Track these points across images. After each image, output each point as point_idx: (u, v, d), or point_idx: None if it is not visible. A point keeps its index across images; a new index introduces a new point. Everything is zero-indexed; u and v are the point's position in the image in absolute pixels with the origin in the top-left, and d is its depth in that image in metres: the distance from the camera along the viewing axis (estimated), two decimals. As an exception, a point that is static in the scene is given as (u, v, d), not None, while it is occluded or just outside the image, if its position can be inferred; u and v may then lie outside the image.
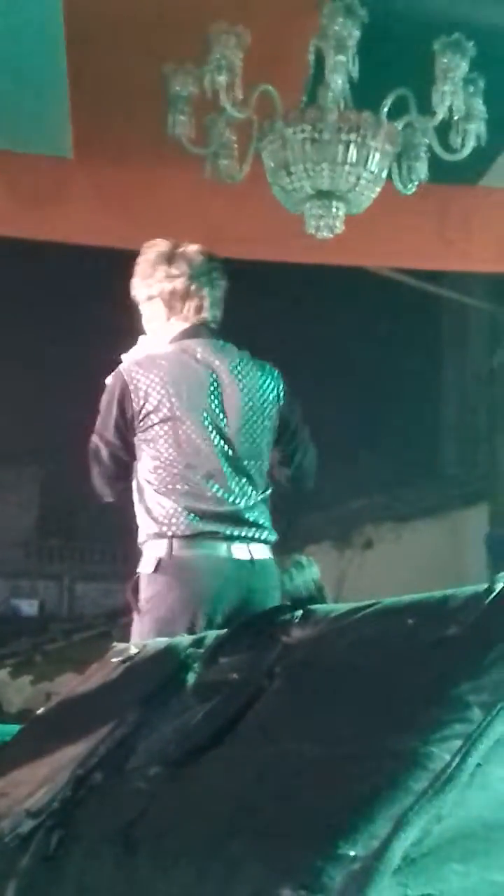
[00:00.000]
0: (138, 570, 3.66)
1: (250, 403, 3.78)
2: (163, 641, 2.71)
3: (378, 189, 5.01)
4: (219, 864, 1.58)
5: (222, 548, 3.64)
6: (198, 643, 2.46)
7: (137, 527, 3.72)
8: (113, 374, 3.77)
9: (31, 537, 18.43)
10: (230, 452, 3.71)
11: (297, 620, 2.17)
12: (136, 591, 3.63)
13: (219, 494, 3.67)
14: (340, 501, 11.26)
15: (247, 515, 3.72)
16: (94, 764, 2.18)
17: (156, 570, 3.60)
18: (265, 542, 3.77)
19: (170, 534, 3.60)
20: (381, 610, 1.98)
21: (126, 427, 3.69)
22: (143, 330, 3.97)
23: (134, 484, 3.74)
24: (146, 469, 3.67)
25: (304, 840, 1.50)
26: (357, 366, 9.07)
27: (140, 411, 3.66)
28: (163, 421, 3.65)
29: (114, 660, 2.76)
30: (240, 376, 3.81)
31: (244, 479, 3.73)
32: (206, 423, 3.69)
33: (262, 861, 1.52)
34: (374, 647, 1.89)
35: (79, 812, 2.06)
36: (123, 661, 2.70)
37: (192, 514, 3.62)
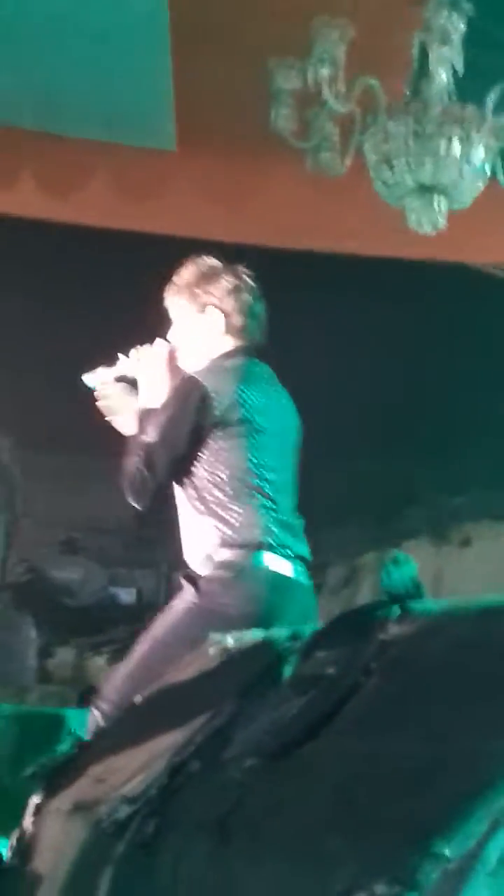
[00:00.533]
0: (209, 569, 3.65)
1: (293, 424, 3.89)
2: (259, 633, 2.72)
3: (481, 184, 4.97)
4: (313, 858, 1.59)
5: (289, 567, 3.67)
6: (295, 637, 2.47)
7: (197, 535, 3.71)
8: (185, 380, 3.73)
9: (129, 526, 18.54)
10: (293, 471, 3.81)
11: (394, 617, 2.16)
12: (195, 583, 3.64)
13: (288, 510, 3.75)
14: (438, 498, 11.18)
15: (302, 536, 3.77)
16: (191, 753, 2.20)
17: (236, 575, 3.60)
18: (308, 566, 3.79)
19: (247, 543, 3.62)
20: (481, 609, 1.97)
21: (198, 435, 3.67)
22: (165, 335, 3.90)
23: (192, 493, 3.71)
24: (221, 478, 3.67)
25: (400, 837, 1.50)
26: (458, 362, 8.99)
27: (222, 419, 3.66)
28: (249, 433, 3.67)
29: (211, 650, 2.77)
30: (286, 397, 3.90)
31: (295, 500, 3.81)
32: (279, 435, 3.76)
33: (357, 856, 1.52)
34: (473, 646, 1.88)
35: (175, 800, 2.08)
36: (220, 653, 2.72)
37: (278, 527, 3.66)
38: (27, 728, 3.72)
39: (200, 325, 3.83)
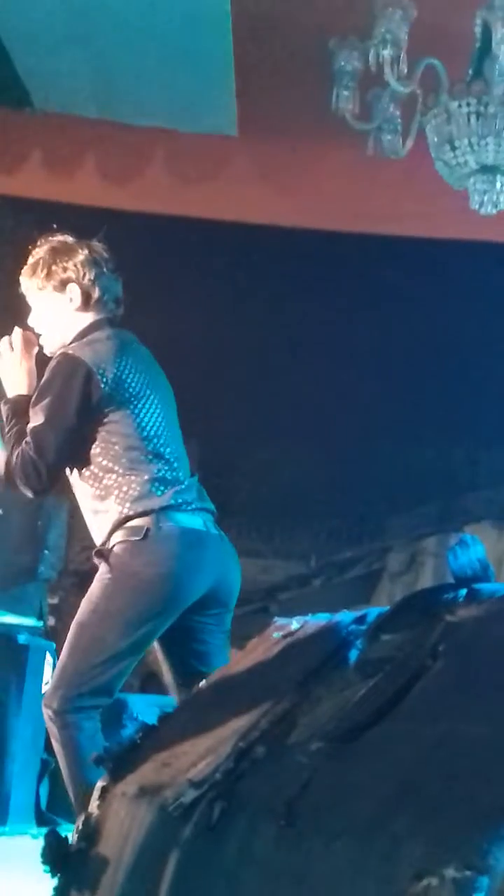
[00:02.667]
0: (115, 541, 3.64)
1: (167, 384, 3.92)
2: (324, 617, 2.71)
3: (546, 164, 4.92)
4: (381, 842, 1.57)
5: (198, 520, 3.72)
6: (360, 620, 2.45)
7: (101, 513, 3.70)
8: (65, 358, 3.70)
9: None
10: (178, 430, 3.86)
11: (461, 599, 2.14)
12: (105, 557, 3.65)
13: (184, 468, 3.80)
14: (500, 482, 11.12)
15: (203, 490, 3.83)
16: (256, 737, 2.19)
17: (144, 537, 3.61)
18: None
19: (152, 508, 3.63)
20: (549, 591, 1.95)
21: (88, 413, 3.65)
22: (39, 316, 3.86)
23: (88, 472, 3.70)
24: (114, 451, 3.67)
25: (469, 820, 1.48)
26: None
27: (110, 393, 3.65)
28: (136, 398, 3.69)
29: (275, 634, 2.76)
30: (154, 360, 3.92)
31: (186, 459, 3.88)
32: (162, 399, 3.80)
33: (426, 840, 1.51)
34: (541, 628, 1.85)
35: (241, 784, 2.08)
36: (285, 637, 2.71)
37: (173, 487, 3.69)
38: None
39: (60, 303, 3.80)
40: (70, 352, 3.70)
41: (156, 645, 3.80)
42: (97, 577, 3.68)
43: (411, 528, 12.20)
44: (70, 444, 3.67)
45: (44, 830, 2.71)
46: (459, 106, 4.87)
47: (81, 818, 2.56)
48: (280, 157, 6.47)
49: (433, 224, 6.60)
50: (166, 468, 3.72)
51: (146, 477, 3.67)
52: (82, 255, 3.80)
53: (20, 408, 3.76)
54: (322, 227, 6.87)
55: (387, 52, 4.72)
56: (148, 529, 3.62)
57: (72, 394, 3.63)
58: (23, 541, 5.73)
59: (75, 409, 3.63)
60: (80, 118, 6.48)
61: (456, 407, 9.76)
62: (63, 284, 3.78)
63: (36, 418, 3.66)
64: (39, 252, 3.82)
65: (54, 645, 5.54)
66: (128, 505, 3.65)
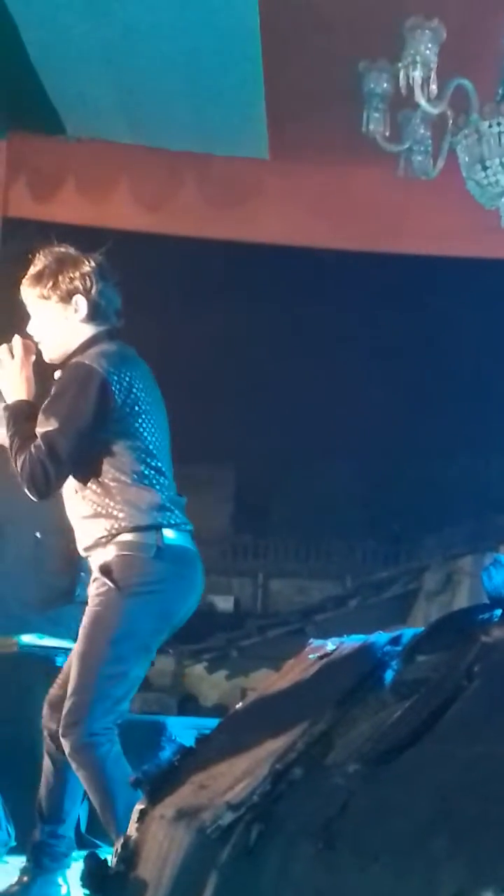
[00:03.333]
0: (120, 553, 3.69)
1: (162, 400, 3.95)
2: (359, 638, 2.71)
3: None
4: (420, 863, 1.57)
5: (189, 539, 3.82)
6: (395, 641, 2.45)
7: (99, 520, 3.74)
8: (80, 367, 3.74)
9: (226, 534, 18.67)
10: (169, 449, 3.90)
11: (496, 619, 2.14)
12: (108, 572, 3.69)
13: (174, 486, 3.85)
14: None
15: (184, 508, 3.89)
16: (293, 759, 2.19)
17: (156, 555, 3.68)
18: None
19: (158, 523, 3.71)
20: None
21: (101, 421, 3.70)
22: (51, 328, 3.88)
23: (93, 479, 3.75)
24: (122, 462, 3.72)
25: (507, 842, 1.48)
26: None
27: (122, 404, 3.70)
28: (142, 413, 3.74)
29: (311, 656, 2.77)
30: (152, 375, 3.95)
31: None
32: (160, 415, 3.85)
33: (465, 861, 1.50)
34: None
35: (278, 806, 2.08)
36: (321, 658, 2.71)
37: (174, 505, 3.77)
38: (128, 735, 3.74)
39: (64, 313, 3.84)
40: (86, 361, 3.74)
41: None
42: (99, 594, 3.71)
43: (447, 547, 12.16)
44: (80, 451, 3.71)
45: (84, 853, 2.72)
46: (490, 126, 4.87)
47: (120, 841, 2.56)
48: (311, 180, 6.50)
49: (466, 243, 6.60)
50: (167, 485, 3.81)
51: (153, 492, 3.74)
52: (88, 267, 3.85)
53: (22, 413, 3.82)
54: (354, 249, 6.89)
55: (416, 74, 4.73)
56: (158, 548, 3.69)
57: (87, 401, 3.68)
58: (60, 564, 5.75)
59: (90, 416, 3.68)
60: (113, 143, 6.53)
61: (491, 426, 9.75)
62: (70, 295, 3.83)
63: (48, 423, 3.70)
64: (44, 262, 3.86)
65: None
66: (131, 516, 3.71)
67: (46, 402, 3.77)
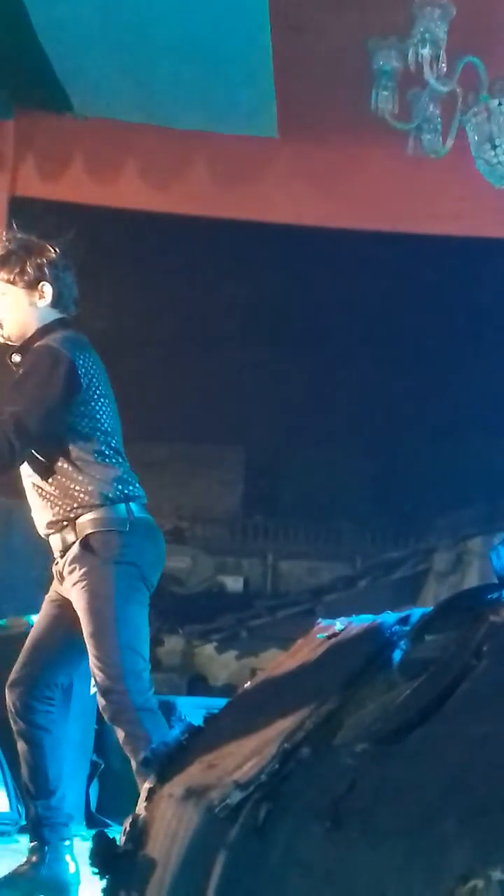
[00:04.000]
0: (94, 529, 3.82)
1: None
2: (367, 618, 2.70)
3: None
4: (429, 843, 1.57)
5: (149, 514, 3.98)
6: (404, 620, 2.45)
7: (62, 498, 3.84)
8: (48, 349, 3.86)
9: (236, 515, 18.69)
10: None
11: (505, 599, 2.13)
12: (89, 548, 3.81)
13: (128, 464, 4.00)
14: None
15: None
16: (301, 739, 2.19)
17: (130, 530, 3.83)
18: None
19: (125, 495, 3.86)
20: None
21: (68, 403, 3.83)
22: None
23: (57, 457, 3.86)
24: (85, 442, 3.86)
25: (516, 821, 1.48)
26: None
27: (86, 387, 3.84)
28: (101, 397, 3.89)
29: (319, 636, 2.76)
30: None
31: None
32: (114, 402, 3.98)
33: (473, 841, 1.50)
34: None
35: (286, 786, 2.08)
36: (329, 638, 2.70)
37: (134, 480, 3.94)
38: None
39: (28, 297, 3.95)
40: (53, 345, 3.87)
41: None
42: (86, 567, 3.81)
43: (457, 528, 12.15)
44: (48, 430, 3.85)
45: (93, 832, 2.72)
46: (499, 104, 4.85)
47: (129, 820, 2.57)
48: (320, 158, 6.47)
49: (475, 223, 6.57)
50: (122, 461, 3.96)
51: (115, 468, 3.90)
52: (52, 255, 3.98)
53: None
54: (364, 228, 6.86)
55: (426, 51, 4.70)
56: (130, 522, 3.84)
57: (55, 382, 3.81)
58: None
59: (58, 396, 3.81)
60: (121, 122, 6.51)
61: (501, 408, 9.72)
62: (37, 281, 3.95)
63: (18, 402, 3.81)
64: (11, 246, 3.99)
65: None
66: (101, 491, 3.84)
67: (15, 380, 3.90)
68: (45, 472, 3.89)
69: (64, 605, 3.92)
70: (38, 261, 3.94)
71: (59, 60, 6.00)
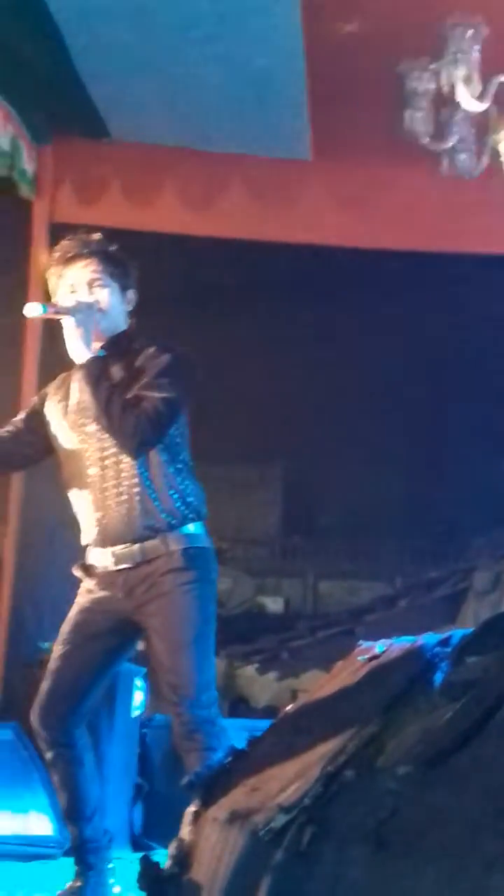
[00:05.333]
0: (190, 545, 3.82)
1: None
2: (408, 640, 2.70)
3: None
4: (473, 864, 1.57)
5: None
6: (444, 642, 2.45)
7: (161, 504, 3.81)
8: (179, 353, 3.86)
9: (276, 536, 18.67)
10: None
11: (546, 620, 2.13)
12: (183, 561, 3.80)
13: None
14: None
15: None
16: (344, 762, 2.20)
17: (209, 548, 3.88)
18: None
19: (201, 514, 3.87)
20: None
21: (186, 407, 3.87)
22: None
23: (160, 462, 3.83)
24: (180, 452, 3.88)
25: None
26: None
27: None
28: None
29: (360, 658, 2.77)
30: None
31: None
32: None
33: (517, 864, 1.50)
34: None
35: (330, 809, 2.09)
36: (370, 660, 2.71)
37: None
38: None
39: (123, 299, 3.97)
40: (180, 349, 3.88)
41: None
42: (182, 581, 3.79)
43: (496, 546, 12.11)
44: (167, 432, 3.81)
45: (139, 855, 2.73)
46: (533, 123, 4.85)
47: (174, 843, 2.58)
48: (354, 180, 6.48)
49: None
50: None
51: (195, 482, 3.90)
52: (134, 266, 4.03)
53: (105, 370, 3.86)
54: (399, 248, 6.87)
55: (459, 72, 4.71)
56: (207, 539, 3.88)
57: (184, 387, 3.82)
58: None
59: (184, 402, 3.84)
60: (157, 146, 6.55)
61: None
62: (129, 287, 4.00)
63: (157, 391, 3.76)
64: (111, 247, 3.99)
65: (144, 670, 5.56)
66: (197, 506, 3.85)
67: (152, 371, 3.80)
68: (137, 477, 3.82)
69: (103, 620, 3.86)
70: (133, 269, 4.00)
71: (96, 87, 6.05)
